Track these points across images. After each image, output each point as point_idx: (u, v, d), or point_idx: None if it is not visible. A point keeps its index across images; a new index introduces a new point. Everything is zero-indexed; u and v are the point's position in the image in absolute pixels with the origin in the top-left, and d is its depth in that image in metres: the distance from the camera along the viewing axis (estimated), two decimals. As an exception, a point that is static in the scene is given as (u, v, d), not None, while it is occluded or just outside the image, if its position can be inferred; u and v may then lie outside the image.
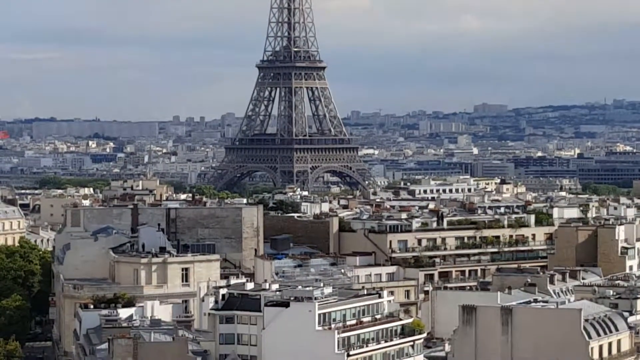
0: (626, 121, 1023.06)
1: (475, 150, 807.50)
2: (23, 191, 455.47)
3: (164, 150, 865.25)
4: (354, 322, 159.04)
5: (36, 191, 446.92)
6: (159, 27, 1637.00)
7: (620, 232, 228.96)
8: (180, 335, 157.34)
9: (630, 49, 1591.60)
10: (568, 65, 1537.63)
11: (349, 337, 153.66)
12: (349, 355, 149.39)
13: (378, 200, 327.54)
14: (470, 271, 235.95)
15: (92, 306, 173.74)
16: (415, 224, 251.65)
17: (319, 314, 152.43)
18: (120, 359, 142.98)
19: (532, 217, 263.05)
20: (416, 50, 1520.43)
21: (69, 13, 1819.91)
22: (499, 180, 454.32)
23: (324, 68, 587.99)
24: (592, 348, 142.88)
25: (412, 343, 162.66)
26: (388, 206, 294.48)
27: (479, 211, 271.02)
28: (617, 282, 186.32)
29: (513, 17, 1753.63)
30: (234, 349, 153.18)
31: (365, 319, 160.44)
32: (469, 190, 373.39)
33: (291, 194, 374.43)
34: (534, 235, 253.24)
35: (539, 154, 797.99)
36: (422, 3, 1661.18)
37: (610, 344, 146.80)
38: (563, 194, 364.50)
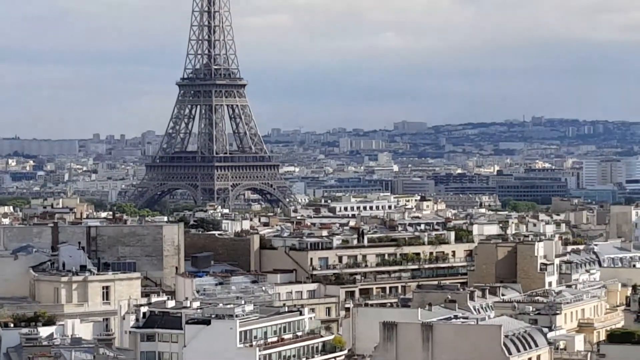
0: (545, 138, 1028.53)
1: (395, 168, 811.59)
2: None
3: (84, 168, 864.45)
4: (275, 339, 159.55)
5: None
6: (78, 44, 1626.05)
7: (540, 248, 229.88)
8: (101, 353, 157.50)
9: (549, 65, 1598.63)
10: (487, 82, 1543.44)
11: (270, 354, 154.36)
12: None
13: (299, 217, 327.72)
14: (391, 288, 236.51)
15: (12, 325, 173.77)
16: (336, 241, 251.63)
17: (240, 332, 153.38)
18: None
19: (452, 234, 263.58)
20: (336, 67, 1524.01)
21: None
22: (419, 197, 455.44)
23: (244, 85, 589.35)
24: None
25: (333, 358, 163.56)
26: (309, 223, 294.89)
27: (400, 228, 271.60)
28: (536, 298, 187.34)
29: (432, 34, 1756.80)
30: None
31: (286, 336, 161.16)
32: (390, 207, 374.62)
33: (212, 211, 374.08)
34: (453, 252, 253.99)
35: (459, 171, 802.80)
36: (342, 21, 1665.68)
37: None
38: (483, 210, 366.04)
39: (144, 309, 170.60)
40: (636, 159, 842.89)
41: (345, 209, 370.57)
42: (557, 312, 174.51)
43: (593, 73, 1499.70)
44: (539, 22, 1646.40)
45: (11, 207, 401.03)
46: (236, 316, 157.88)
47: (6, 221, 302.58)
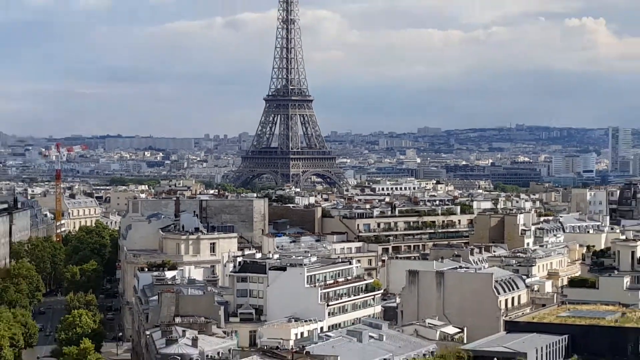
0: (525, 140, 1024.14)
1: (418, 160, 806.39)
2: (98, 187, 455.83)
3: (198, 159, 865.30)
4: (332, 281, 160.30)
5: (107, 187, 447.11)
6: (191, 68, 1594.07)
7: (520, 218, 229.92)
8: (209, 290, 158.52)
9: (530, 87, 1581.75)
10: (484, 99, 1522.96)
11: (328, 293, 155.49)
12: (328, 305, 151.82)
13: (349, 195, 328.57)
14: (414, 246, 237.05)
15: (146, 269, 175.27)
16: (375, 212, 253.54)
17: (307, 276, 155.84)
18: (166, 307, 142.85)
19: (458, 208, 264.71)
20: (378, 88, 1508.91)
21: (124, 55, 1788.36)
22: (435, 182, 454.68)
23: (311, 100, 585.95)
24: (500, 301, 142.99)
25: (372, 297, 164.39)
26: (356, 199, 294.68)
27: (421, 203, 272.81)
28: (518, 254, 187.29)
29: (446, 64, 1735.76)
30: (247, 300, 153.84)
31: (340, 279, 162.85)
32: (414, 188, 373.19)
33: (288, 190, 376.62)
34: (459, 220, 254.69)
35: (463, 163, 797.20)
36: (382, 54, 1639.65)
37: (513, 298, 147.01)
38: (480, 191, 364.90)
39: (239, 259, 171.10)
40: (590, 155, 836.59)
41: (382, 189, 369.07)
42: (533, 264, 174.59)
43: (562, 92, 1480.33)
44: (523, 56, 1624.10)
45: (146, 186, 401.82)
46: (304, 265, 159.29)
47: (143, 196, 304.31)
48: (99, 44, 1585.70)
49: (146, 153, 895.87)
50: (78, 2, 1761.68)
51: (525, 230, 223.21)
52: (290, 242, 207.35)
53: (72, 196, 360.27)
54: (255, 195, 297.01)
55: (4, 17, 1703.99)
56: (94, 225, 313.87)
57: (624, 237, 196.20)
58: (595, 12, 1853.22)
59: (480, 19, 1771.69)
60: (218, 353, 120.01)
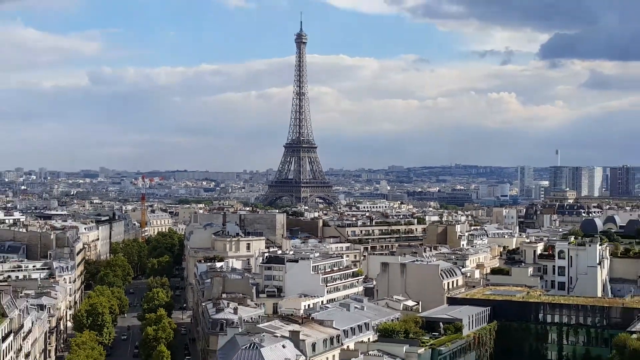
0: (461, 174, 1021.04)
1: (388, 188, 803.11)
2: (170, 205, 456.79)
3: (238, 186, 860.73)
4: (329, 270, 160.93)
5: (177, 205, 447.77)
6: (237, 124, 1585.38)
7: (458, 228, 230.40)
8: (245, 275, 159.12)
9: (464, 138, 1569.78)
10: (432, 147, 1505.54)
11: (327, 277, 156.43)
12: (326, 286, 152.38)
13: (341, 211, 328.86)
14: (385, 246, 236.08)
15: (202, 261, 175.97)
16: (359, 222, 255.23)
17: (312, 266, 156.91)
18: (216, 287, 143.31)
19: (416, 220, 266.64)
20: (360, 139, 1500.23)
21: (190, 116, 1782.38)
22: (399, 202, 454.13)
23: (315, 147, 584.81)
24: (444, 283, 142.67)
25: (357, 280, 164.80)
26: (346, 214, 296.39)
27: (390, 217, 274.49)
28: (456, 252, 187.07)
29: (407, 122, 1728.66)
30: (271, 282, 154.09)
31: (334, 268, 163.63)
32: (385, 207, 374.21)
33: (299, 208, 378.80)
34: (416, 229, 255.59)
35: (419, 189, 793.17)
36: (363, 118, 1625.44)
37: (452, 282, 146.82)
38: (430, 209, 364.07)
39: (266, 254, 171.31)
40: (505, 185, 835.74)
41: (364, 207, 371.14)
42: (466, 259, 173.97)
43: (486, 142, 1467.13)
44: (460, 117, 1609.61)
45: (203, 205, 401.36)
46: (310, 258, 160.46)
47: (200, 211, 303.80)
48: (174, 108, 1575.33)
49: (203, 182, 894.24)
50: (159, 79, 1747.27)
51: (461, 235, 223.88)
52: (301, 243, 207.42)
53: (153, 211, 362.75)
54: (277, 211, 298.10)
55: (111, 90, 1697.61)
56: (167, 231, 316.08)
57: (528, 240, 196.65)
58: (509, 88, 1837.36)
59: (430, 93, 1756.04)
60: (251, 318, 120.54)
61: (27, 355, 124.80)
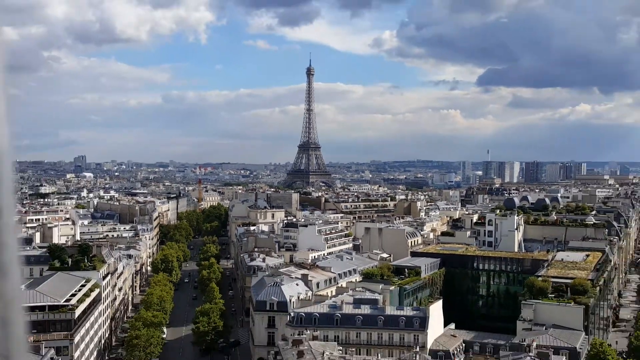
0: (421, 167, 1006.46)
1: (370, 176, 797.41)
2: (219, 187, 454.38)
3: (266, 174, 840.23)
4: (329, 232, 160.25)
5: (223, 187, 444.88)
6: (266, 132, 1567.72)
7: (418, 204, 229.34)
8: (270, 235, 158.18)
9: (424, 142, 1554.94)
10: (402, 148, 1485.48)
11: (327, 237, 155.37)
12: (327, 243, 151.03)
13: (337, 192, 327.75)
14: (367, 216, 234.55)
15: (241, 225, 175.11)
16: (350, 200, 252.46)
17: (317, 229, 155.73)
18: (250, 243, 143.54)
19: (389, 198, 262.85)
20: (351, 142, 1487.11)
21: (231, 126, 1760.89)
22: (378, 186, 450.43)
23: (319, 147, 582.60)
24: (408, 242, 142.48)
25: (348, 239, 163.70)
26: (341, 194, 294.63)
27: (371, 196, 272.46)
28: (417, 220, 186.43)
29: (384, 131, 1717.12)
30: (289, 240, 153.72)
31: (332, 231, 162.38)
32: (368, 189, 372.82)
33: (308, 189, 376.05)
34: (390, 204, 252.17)
35: (392, 177, 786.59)
36: (354, 126, 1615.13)
37: (414, 241, 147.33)
38: (399, 191, 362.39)
39: (285, 221, 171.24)
40: (452, 174, 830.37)
41: (353, 190, 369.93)
42: (424, 225, 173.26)
43: (439, 145, 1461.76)
44: (421, 128, 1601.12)
45: (241, 187, 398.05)
46: (316, 224, 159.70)
47: (239, 191, 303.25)
48: (221, 119, 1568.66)
49: (241, 171, 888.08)
50: (210, 99, 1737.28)
51: (420, 209, 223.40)
52: (309, 214, 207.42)
53: (206, 191, 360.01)
54: (292, 191, 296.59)
55: (177, 106, 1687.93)
56: (216, 204, 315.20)
57: (467, 212, 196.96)
58: (455, 107, 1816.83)
59: (400, 110, 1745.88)
60: (274, 265, 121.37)
61: (120, 289, 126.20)
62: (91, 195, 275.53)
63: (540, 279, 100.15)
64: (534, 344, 79.85)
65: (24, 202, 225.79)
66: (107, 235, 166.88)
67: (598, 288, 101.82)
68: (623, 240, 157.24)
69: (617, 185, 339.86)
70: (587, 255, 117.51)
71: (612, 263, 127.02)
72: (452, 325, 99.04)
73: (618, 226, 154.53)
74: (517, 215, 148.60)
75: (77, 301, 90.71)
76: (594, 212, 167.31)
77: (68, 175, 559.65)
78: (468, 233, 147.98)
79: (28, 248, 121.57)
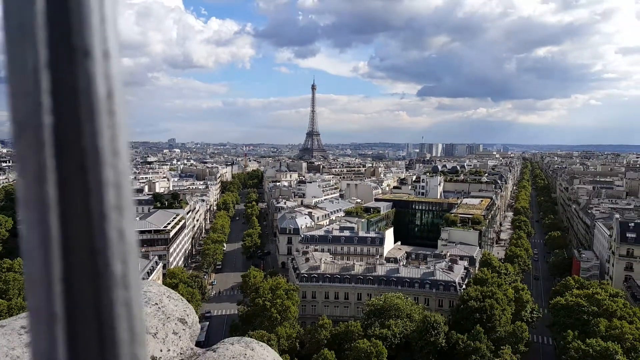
0: (382, 147, 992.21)
1: (350, 152, 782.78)
2: (258, 158, 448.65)
3: (286, 151, 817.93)
4: (325, 186, 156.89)
5: (261, 158, 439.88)
6: (285, 125, 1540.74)
7: (379, 169, 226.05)
8: (289, 188, 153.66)
9: (386, 132, 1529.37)
10: (371, 135, 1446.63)
11: (324, 189, 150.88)
12: (323, 192, 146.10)
13: (330, 162, 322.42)
14: (349, 176, 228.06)
15: (271, 182, 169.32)
16: (338, 166, 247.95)
17: (318, 184, 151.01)
18: (276, 192, 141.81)
19: (362, 166, 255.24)
20: (339, 132, 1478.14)
21: (268, 122, 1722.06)
22: (355, 159, 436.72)
23: (319, 134, 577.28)
24: (373, 192, 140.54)
25: (337, 190, 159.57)
26: (333, 163, 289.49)
27: (351, 165, 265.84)
28: (379, 179, 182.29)
29: (361, 124, 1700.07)
30: (300, 191, 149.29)
31: (327, 186, 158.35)
32: (350, 161, 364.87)
33: (313, 160, 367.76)
34: (362, 170, 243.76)
35: (364, 153, 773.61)
36: (342, 121, 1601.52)
37: (377, 192, 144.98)
38: (368, 161, 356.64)
39: (297, 180, 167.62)
40: (400, 151, 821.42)
41: (341, 161, 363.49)
42: (383, 182, 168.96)
43: (392, 133, 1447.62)
44: (382, 122, 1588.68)
45: (271, 158, 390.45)
46: (316, 181, 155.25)
47: (270, 160, 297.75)
48: (258, 117, 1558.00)
49: (271, 149, 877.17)
50: (252, 104, 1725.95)
51: (380, 172, 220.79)
52: (313, 175, 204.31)
53: (250, 161, 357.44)
54: (303, 162, 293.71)
55: (232, 108, 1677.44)
56: (256, 169, 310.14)
57: (409, 174, 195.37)
58: (403, 110, 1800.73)
59: (370, 111, 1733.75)
60: (291, 206, 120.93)
61: (197, 220, 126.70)
62: (179, 163, 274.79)
63: (452, 214, 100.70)
64: (448, 254, 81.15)
65: (137, 167, 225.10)
66: (189, 187, 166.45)
67: (487, 220, 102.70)
68: (503, 192, 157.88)
69: (501, 158, 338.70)
70: (481, 201, 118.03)
71: (496, 205, 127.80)
72: (399, 243, 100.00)
73: (500, 183, 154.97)
74: (440, 176, 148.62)
75: (171, 227, 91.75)
76: (486, 174, 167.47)
77: (164, 151, 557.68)
78: (409, 187, 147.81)
79: (140, 195, 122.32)
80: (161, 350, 3.24)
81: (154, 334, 3.27)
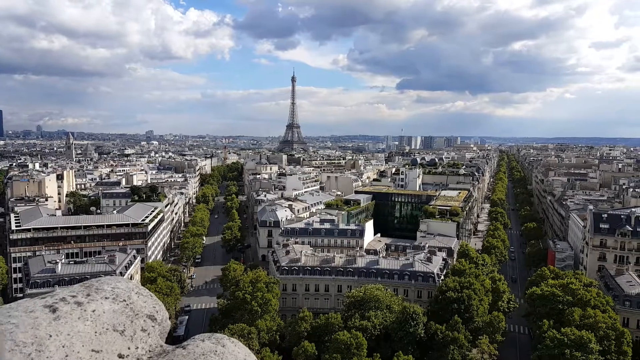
0: (362, 139, 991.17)
1: (330, 144, 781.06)
2: (238, 151, 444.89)
3: (267, 143, 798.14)
4: (305, 178, 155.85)
5: (241, 151, 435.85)
6: (268, 117, 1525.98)
7: (359, 162, 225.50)
8: (269, 180, 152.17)
9: (367, 125, 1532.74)
10: (351, 127, 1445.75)
11: (304, 182, 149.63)
12: (304, 185, 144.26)
13: (310, 154, 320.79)
14: (329, 169, 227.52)
15: (251, 175, 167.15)
16: (318, 159, 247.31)
17: (298, 176, 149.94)
18: (256, 184, 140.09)
19: (342, 158, 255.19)
20: (319, 125, 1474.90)
21: (254, 114, 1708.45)
22: (335, 151, 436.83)
23: (299, 127, 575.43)
24: (354, 184, 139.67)
25: (316, 183, 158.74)
26: (313, 155, 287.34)
27: (331, 157, 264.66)
28: (359, 171, 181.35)
29: (340, 117, 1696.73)
30: (280, 183, 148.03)
31: (307, 178, 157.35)
32: (330, 153, 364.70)
33: (293, 152, 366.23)
34: (342, 162, 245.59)
35: (344, 145, 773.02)
36: (322, 114, 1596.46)
37: (357, 184, 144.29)
38: (348, 153, 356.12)
39: (278, 172, 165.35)
40: (380, 143, 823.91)
41: (321, 153, 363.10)
42: (363, 174, 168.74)
43: (371, 125, 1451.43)
44: (362, 114, 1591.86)
45: (251, 151, 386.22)
46: (297, 174, 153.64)
47: (250, 153, 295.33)
48: (238, 109, 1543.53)
49: (251, 141, 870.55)
50: (232, 96, 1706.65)
51: (360, 165, 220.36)
52: (293, 167, 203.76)
53: (229, 153, 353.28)
54: (283, 154, 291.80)
55: (210, 100, 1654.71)
56: (236, 161, 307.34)
57: (389, 167, 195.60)
58: (383, 102, 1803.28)
59: (349, 104, 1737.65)
60: (272, 198, 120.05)
61: (175, 213, 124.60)
62: (157, 155, 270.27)
63: (431, 206, 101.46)
64: (427, 245, 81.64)
65: (115, 159, 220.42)
66: (167, 180, 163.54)
67: (465, 212, 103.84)
68: (480, 184, 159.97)
69: (478, 150, 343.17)
70: (459, 193, 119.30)
71: (474, 197, 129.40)
72: (379, 235, 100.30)
73: (477, 175, 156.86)
74: (418, 169, 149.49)
75: (149, 220, 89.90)
76: (464, 167, 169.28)
77: (142, 143, 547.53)
78: (389, 179, 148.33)
79: (118, 188, 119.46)
80: (129, 348, 3.15)
81: (121, 332, 3.17)
